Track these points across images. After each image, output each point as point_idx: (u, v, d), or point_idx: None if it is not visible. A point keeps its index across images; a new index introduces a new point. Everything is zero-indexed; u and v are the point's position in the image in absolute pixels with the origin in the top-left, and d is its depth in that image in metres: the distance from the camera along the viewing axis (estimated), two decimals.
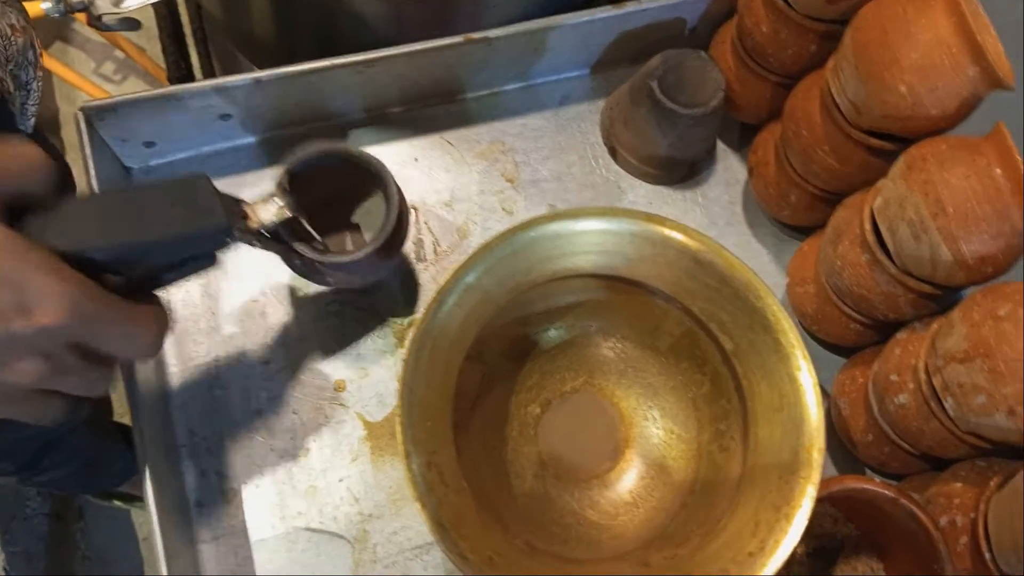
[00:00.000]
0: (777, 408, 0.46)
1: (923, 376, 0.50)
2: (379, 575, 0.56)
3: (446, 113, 0.69)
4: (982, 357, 0.45)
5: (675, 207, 0.68)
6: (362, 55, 0.60)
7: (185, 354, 0.59)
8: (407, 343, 0.46)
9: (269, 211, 0.46)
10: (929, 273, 0.50)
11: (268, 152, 0.65)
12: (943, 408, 0.49)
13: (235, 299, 0.61)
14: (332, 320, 0.61)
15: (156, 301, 0.39)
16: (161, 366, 0.59)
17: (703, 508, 0.48)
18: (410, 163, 0.67)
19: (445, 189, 0.66)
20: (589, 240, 0.50)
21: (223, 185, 0.62)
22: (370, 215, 0.56)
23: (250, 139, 0.65)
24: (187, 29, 0.94)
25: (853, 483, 0.49)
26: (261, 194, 0.47)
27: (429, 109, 0.68)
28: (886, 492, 0.49)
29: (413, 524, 0.57)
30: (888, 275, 0.52)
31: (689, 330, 0.52)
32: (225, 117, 0.61)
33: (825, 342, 0.64)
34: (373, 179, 0.53)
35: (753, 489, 0.45)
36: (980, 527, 0.48)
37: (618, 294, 0.54)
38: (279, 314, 0.61)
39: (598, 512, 0.51)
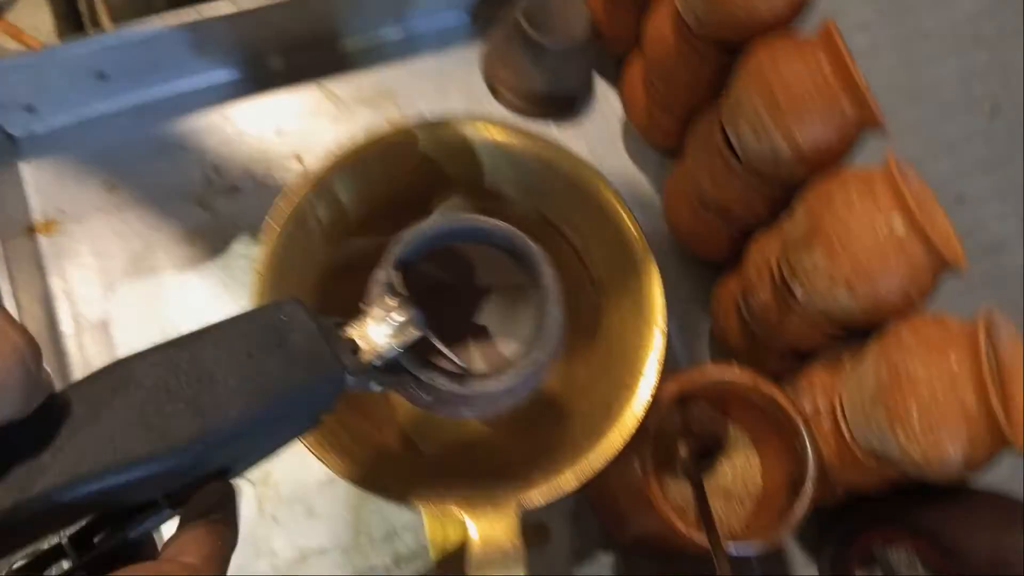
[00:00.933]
0: (624, 295, 0.48)
1: (775, 268, 0.52)
2: (283, 512, 0.57)
3: (327, 62, 0.69)
4: (819, 237, 0.48)
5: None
6: (230, 5, 0.61)
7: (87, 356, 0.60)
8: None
9: (383, 332, 0.32)
10: (773, 170, 0.52)
11: (153, 113, 0.66)
12: (794, 296, 0.51)
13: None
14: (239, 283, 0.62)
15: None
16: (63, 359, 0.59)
17: (567, 411, 0.50)
18: (292, 115, 0.68)
19: (332, 139, 0.67)
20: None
21: (104, 149, 0.62)
22: (499, 311, 0.41)
23: (130, 100, 0.66)
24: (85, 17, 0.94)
25: (713, 372, 0.51)
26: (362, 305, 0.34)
27: (309, 59, 0.69)
28: (744, 380, 0.51)
29: (315, 461, 0.59)
30: (740, 178, 0.55)
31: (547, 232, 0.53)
32: (101, 76, 0.62)
33: (705, 260, 0.66)
34: (515, 261, 0.40)
35: (606, 375, 0.47)
36: (838, 408, 0.50)
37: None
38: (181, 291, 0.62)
39: (477, 433, 0.53)
